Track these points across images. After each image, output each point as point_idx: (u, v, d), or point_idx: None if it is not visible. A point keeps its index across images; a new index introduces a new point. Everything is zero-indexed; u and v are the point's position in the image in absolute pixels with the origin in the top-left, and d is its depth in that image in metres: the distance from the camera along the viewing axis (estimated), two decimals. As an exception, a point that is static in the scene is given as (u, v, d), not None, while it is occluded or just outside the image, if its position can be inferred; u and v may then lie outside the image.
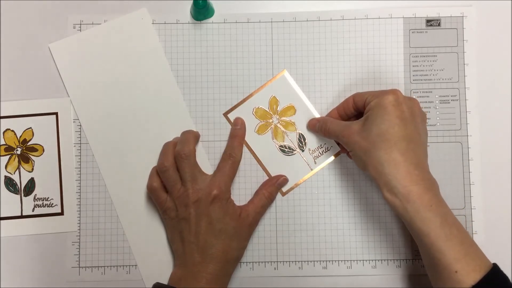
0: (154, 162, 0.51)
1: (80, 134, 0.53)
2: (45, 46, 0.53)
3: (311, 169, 0.52)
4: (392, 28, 0.53)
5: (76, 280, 0.51)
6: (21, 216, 0.52)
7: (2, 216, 0.52)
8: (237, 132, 0.52)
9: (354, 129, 0.45)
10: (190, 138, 0.50)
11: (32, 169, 0.52)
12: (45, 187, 0.52)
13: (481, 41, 0.53)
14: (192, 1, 0.51)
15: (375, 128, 0.43)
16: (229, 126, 0.53)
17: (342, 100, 0.51)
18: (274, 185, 0.51)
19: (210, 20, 0.54)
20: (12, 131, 0.53)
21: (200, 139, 0.53)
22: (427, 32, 0.53)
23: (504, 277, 0.41)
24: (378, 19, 0.53)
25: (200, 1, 0.50)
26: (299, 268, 0.52)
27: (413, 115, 0.44)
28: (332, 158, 0.53)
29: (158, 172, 0.49)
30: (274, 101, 0.53)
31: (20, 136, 0.53)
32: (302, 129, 0.53)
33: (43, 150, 0.53)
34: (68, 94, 0.53)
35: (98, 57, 0.53)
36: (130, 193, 0.52)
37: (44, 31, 0.53)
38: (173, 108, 0.53)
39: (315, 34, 0.53)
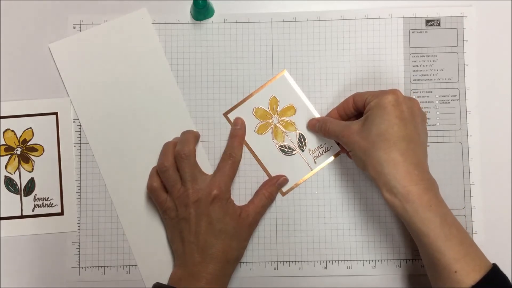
0: (154, 162, 0.51)
1: (80, 134, 0.53)
2: (45, 46, 0.53)
3: (311, 169, 0.52)
4: (392, 28, 0.53)
5: (76, 280, 0.51)
6: (21, 216, 0.52)
7: (2, 216, 0.52)
8: (237, 132, 0.52)
9: (353, 129, 0.45)
10: (190, 138, 0.50)
11: (32, 169, 0.52)
12: (45, 187, 0.52)
13: (481, 41, 0.53)
14: (192, 1, 0.51)
15: (375, 128, 0.43)
16: (229, 126, 0.53)
17: (342, 100, 0.51)
18: (274, 185, 0.51)
19: (210, 20, 0.54)
20: (12, 131, 0.53)
21: (200, 139, 0.53)
22: (427, 32, 0.53)
23: (504, 277, 0.41)
24: (378, 19, 0.53)
25: (200, 1, 0.50)
26: (299, 268, 0.52)
27: (413, 115, 0.44)
28: (332, 158, 0.53)
29: (158, 172, 0.49)
30: (274, 101, 0.53)
31: (20, 136, 0.53)
32: (302, 129, 0.53)
33: (43, 150, 0.53)
34: (68, 94, 0.53)
35: (98, 57, 0.53)
36: (130, 193, 0.52)
37: (44, 31, 0.53)
38: (173, 108, 0.53)
39: (315, 34, 0.53)
